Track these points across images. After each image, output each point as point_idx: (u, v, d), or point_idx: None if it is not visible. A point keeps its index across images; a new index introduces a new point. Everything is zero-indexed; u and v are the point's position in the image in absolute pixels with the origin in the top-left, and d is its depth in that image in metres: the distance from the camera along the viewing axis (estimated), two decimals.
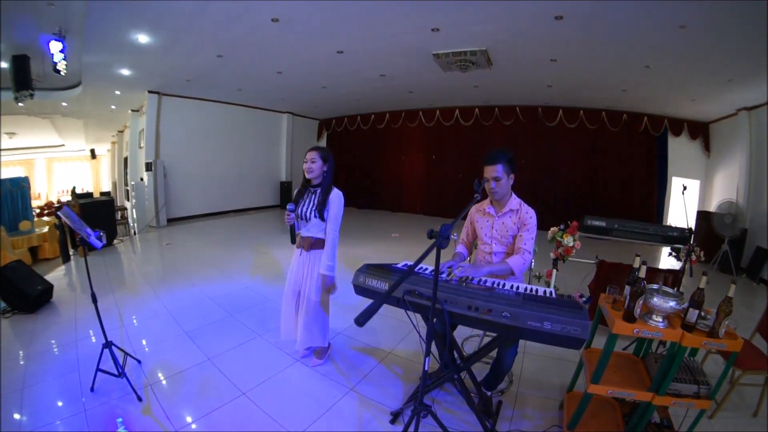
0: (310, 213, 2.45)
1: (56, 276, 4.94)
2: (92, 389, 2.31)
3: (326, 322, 2.63)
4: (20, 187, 6.85)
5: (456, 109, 9.80)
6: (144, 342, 3.04)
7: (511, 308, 1.44)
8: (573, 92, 7.38)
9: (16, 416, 2.14)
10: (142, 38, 5.06)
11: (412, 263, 2.07)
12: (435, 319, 1.50)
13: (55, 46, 4.66)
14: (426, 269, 2.01)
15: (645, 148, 8.36)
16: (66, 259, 5.67)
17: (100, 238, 2.29)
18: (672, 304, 1.57)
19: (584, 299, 3.20)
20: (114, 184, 14.13)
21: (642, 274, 1.65)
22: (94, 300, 2.43)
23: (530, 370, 2.67)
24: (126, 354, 2.57)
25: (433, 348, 2.01)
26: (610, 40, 4.52)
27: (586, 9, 3.80)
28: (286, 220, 2.47)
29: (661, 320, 1.64)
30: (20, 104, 5.47)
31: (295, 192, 2.60)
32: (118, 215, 8.21)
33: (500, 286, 1.79)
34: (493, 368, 2.01)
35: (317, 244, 2.51)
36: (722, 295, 1.55)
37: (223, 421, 2.10)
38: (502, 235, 2.16)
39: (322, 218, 2.45)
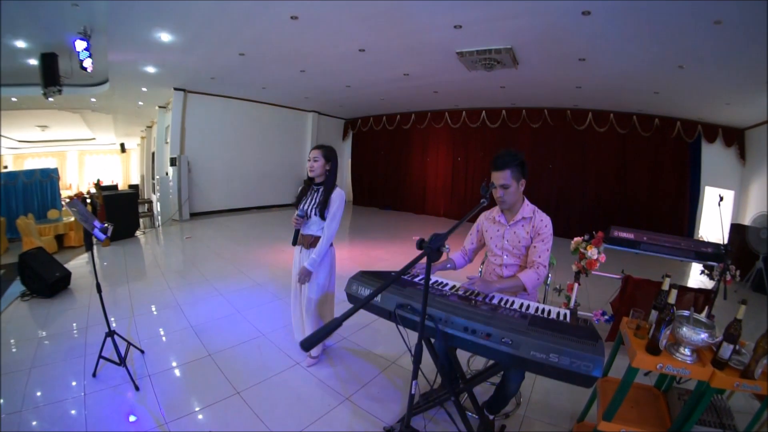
0: (312, 211, 2.43)
1: (77, 264, 5.12)
2: (94, 375, 2.41)
3: (329, 318, 2.59)
4: (49, 177, 7.18)
5: (482, 111, 9.55)
6: (150, 333, 3.11)
7: (513, 334, 1.25)
8: (603, 94, 7.02)
9: (18, 392, 2.26)
10: (165, 37, 5.15)
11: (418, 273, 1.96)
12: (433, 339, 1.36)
13: (80, 45, 4.83)
14: (434, 282, 1.85)
15: (677, 155, 7.84)
16: (89, 247, 5.82)
17: (104, 231, 2.30)
18: (704, 336, 1.38)
19: (606, 317, 2.96)
20: (142, 178, 14.66)
21: (672, 299, 1.45)
22: (99, 290, 2.51)
23: (540, 391, 2.47)
24: (129, 344, 2.65)
25: (429, 360, 1.85)
26: (642, 37, 4.24)
27: (615, 3, 3.55)
28: (294, 223, 2.46)
29: (689, 353, 1.44)
30: (50, 99, 5.72)
31: (299, 190, 2.57)
32: (145, 208, 8.46)
33: (507, 305, 1.61)
34: (498, 391, 1.82)
35: (317, 242, 2.46)
36: (755, 318, 1.34)
37: (211, 418, 2.10)
38: (514, 245, 1.95)
39: (323, 217, 2.42)
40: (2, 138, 11.49)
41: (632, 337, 1.57)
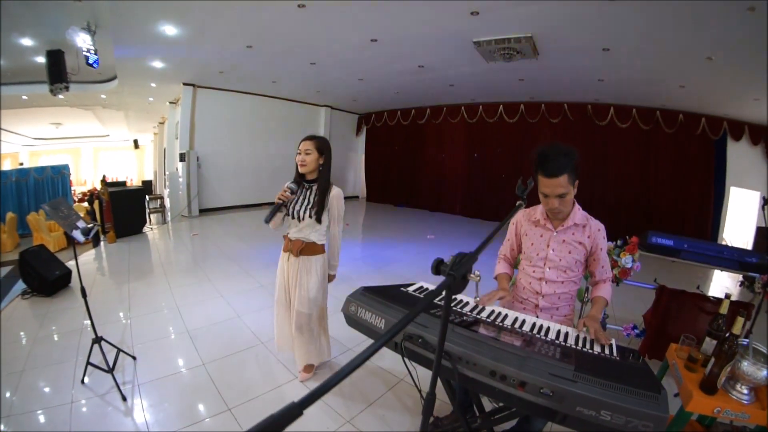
0: (304, 213, 2.12)
1: (83, 261, 5.04)
2: (83, 381, 2.32)
3: (321, 336, 2.38)
4: (61, 174, 7.19)
5: (500, 105, 9.18)
6: (145, 337, 2.98)
7: (555, 383, 0.95)
8: (626, 87, 6.64)
9: (7, 396, 2.20)
10: (169, 30, 5.01)
11: (426, 286, 1.67)
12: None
13: (84, 40, 4.73)
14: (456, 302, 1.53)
15: (702, 153, 7.40)
16: (96, 243, 5.81)
17: (86, 232, 2.13)
18: (766, 374, 1.12)
19: (637, 332, 2.68)
20: (155, 173, 14.78)
21: (737, 329, 1.18)
22: (84, 295, 2.38)
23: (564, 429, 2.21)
24: (119, 350, 2.55)
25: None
26: (668, 24, 3.92)
27: None
28: (281, 198, 2.06)
29: (746, 392, 1.18)
30: (60, 96, 5.68)
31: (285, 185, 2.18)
32: (157, 203, 8.42)
33: (542, 333, 1.28)
34: (520, 425, 1.57)
35: (308, 249, 2.17)
36: None
37: None
38: (562, 257, 1.59)
39: (319, 220, 2.13)
40: (6, 134, 11.67)
41: (684, 370, 1.31)
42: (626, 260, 2.47)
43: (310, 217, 2.11)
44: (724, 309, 1.34)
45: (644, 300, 2.98)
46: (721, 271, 2.61)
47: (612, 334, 3.11)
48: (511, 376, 0.99)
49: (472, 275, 0.79)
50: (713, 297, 2.52)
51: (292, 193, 2.11)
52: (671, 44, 4.41)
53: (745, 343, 1.24)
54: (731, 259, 2.55)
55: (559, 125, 8.46)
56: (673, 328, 2.53)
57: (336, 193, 2.17)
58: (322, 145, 2.14)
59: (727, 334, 1.23)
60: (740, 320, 1.20)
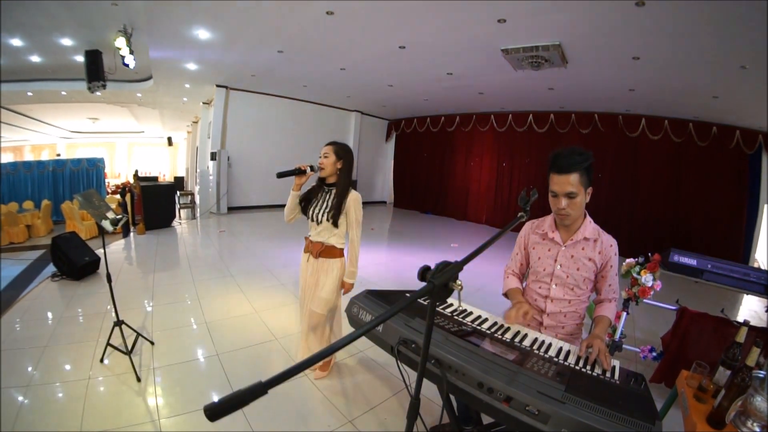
0: (322, 216, 2.18)
1: (112, 249, 5.33)
2: (101, 360, 2.47)
3: (334, 338, 2.40)
4: (95, 166, 7.65)
5: (530, 114, 9.04)
6: (165, 325, 3.12)
7: (541, 401, 0.92)
8: (657, 98, 6.41)
9: (30, 369, 2.36)
10: (203, 34, 5.24)
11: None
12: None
13: (120, 42, 5.02)
14: (456, 312, 1.49)
15: (735, 168, 6.98)
16: (126, 234, 6.12)
17: (115, 223, 2.27)
18: None
19: (654, 354, 2.56)
20: (187, 170, 15.40)
21: (751, 361, 1.12)
22: (109, 280, 2.51)
23: None
24: (138, 334, 2.68)
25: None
26: (701, 32, 3.77)
27: None
28: (301, 166, 2.13)
29: (758, 430, 1.11)
30: (97, 93, 6.04)
31: (309, 190, 2.32)
32: (187, 199, 8.79)
33: (542, 350, 1.24)
34: None
35: (327, 251, 2.23)
36: None
37: (203, 422, 1.95)
38: (569, 274, 1.52)
39: (336, 224, 2.17)
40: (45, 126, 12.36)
41: (692, 400, 1.25)
42: (647, 278, 2.37)
43: (327, 220, 2.15)
44: (740, 337, 1.28)
45: (666, 321, 2.86)
46: (747, 294, 2.45)
47: (629, 355, 3.02)
48: (498, 389, 0.98)
49: (453, 284, 0.80)
50: (737, 322, 2.38)
51: (312, 170, 2.15)
52: (704, 52, 4.24)
53: (761, 376, 1.17)
54: (758, 283, 2.40)
55: (590, 136, 8.23)
56: (691, 352, 2.40)
57: (353, 197, 2.18)
58: (340, 150, 2.17)
59: (741, 365, 1.17)
60: (756, 351, 1.14)
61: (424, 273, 0.83)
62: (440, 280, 0.78)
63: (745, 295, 5.14)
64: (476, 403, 1.03)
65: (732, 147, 6.86)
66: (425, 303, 1.53)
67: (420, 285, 0.82)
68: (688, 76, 5.06)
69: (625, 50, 4.57)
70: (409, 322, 1.27)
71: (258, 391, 0.47)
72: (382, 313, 1.28)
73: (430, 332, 0.84)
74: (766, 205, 6.90)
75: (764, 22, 3.30)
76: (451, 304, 1.57)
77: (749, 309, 4.95)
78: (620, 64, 5.05)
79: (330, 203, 2.18)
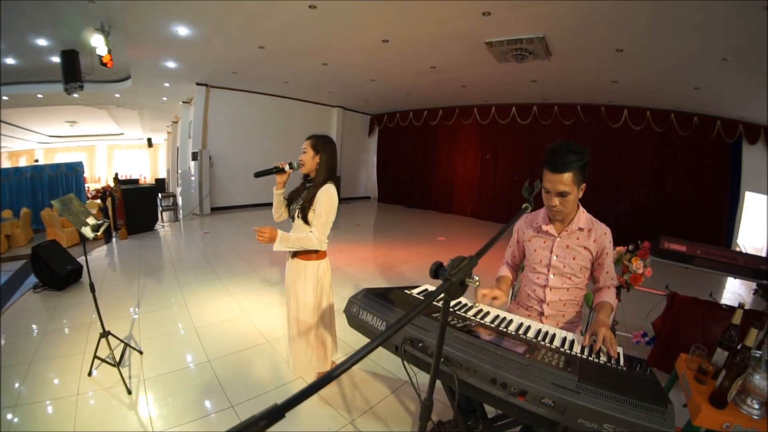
0: (294, 212, 2.03)
1: (95, 256, 5.14)
2: (89, 374, 2.36)
3: (324, 343, 2.20)
4: (74, 171, 7.37)
5: (513, 107, 9.12)
6: (153, 333, 3.02)
7: (557, 393, 0.91)
8: (640, 89, 6.52)
9: (16, 386, 2.26)
10: (182, 30, 5.08)
11: (430, 289, 1.60)
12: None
13: (97, 41, 4.83)
14: (457, 305, 1.45)
15: (717, 157, 7.21)
16: (108, 239, 5.92)
17: (95, 229, 2.17)
18: None
19: (647, 340, 2.62)
20: (168, 172, 15.02)
21: (750, 341, 1.14)
22: (92, 290, 2.41)
23: None
24: (126, 345, 2.59)
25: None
26: (683, 25, 3.83)
27: None
28: (278, 163, 2.06)
29: (757, 407, 1.14)
30: (75, 95, 5.81)
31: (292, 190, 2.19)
32: (169, 201, 8.55)
33: (547, 341, 1.22)
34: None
35: (301, 251, 2.03)
36: None
37: None
38: (565, 263, 1.55)
39: (306, 221, 1.97)
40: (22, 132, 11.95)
41: (693, 382, 1.27)
42: (637, 266, 2.41)
43: (298, 216, 2.01)
44: (737, 319, 1.30)
45: (656, 307, 2.92)
46: (735, 278, 2.52)
47: (621, 341, 3.06)
48: (512, 384, 0.96)
49: (470, 280, 0.77)
50: (726, 305, 2.45)
51: (291, 167, 2.05)
52: (686, 45, 4.31)
53: (758, 355, 1.19)
54: (746, 267, 2.46)
55: (572, 127, 8.35)
56: (683, 336, 2.46)
57: (324, 190, 1.96)
58: (317, 143, 2.02)
59: (739, 346, 1.19)
60: (754, 332, 1.16)
61: (437, 270, 0.81)
62: (458, 276, 0.75)
63: (729, 279, 5.34)
64: (489, 399, 1.01)
65: (713, 136, 7.05)
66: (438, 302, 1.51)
67: (416, 281, 0.79)
68: (671, 67, 5.14)
69: (608, 43, 4.61)
70: (415, 321, 1.24)
71: (276, 414, 0.43)
72: (387, 313, 1.27)
73: (444, 332, 0.81)
74: (747, 192, 7.11)
75: (744, 16, 3.38)
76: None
77: (733, 292, 5.14)
78: (603, 57, 5.10)
79: (303, 198, 2.03)
